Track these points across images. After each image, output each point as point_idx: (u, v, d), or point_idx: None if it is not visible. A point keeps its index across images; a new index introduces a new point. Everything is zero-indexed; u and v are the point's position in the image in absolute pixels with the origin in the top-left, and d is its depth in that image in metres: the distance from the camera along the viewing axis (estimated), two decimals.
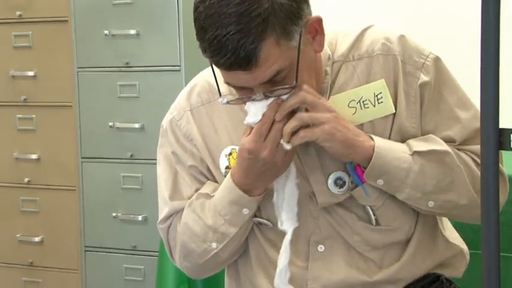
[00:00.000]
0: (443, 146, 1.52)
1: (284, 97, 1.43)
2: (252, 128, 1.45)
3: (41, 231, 3.27)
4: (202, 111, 1.61)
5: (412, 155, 1.50)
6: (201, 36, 1.39)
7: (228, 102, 1.47)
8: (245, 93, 1.44)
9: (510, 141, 0.87)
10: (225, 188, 1.53)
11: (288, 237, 1.50)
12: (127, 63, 3.01)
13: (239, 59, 1.34)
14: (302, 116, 1.44)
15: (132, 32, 2.98)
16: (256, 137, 1.44)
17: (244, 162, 1.47)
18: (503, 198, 1.59)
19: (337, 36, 1.58)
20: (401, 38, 1.56)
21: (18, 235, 3.30)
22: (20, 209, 3.29)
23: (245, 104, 1.46)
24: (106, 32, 3.01)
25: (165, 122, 1.65)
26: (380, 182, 1.50)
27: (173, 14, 2.91)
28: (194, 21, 1.40)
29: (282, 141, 1.44)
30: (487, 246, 0.89)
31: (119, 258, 3.11)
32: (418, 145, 1.51)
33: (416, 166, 1.49)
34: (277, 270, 1.51)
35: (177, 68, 2.93)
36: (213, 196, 1.56)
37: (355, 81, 1.54)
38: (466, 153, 1.55)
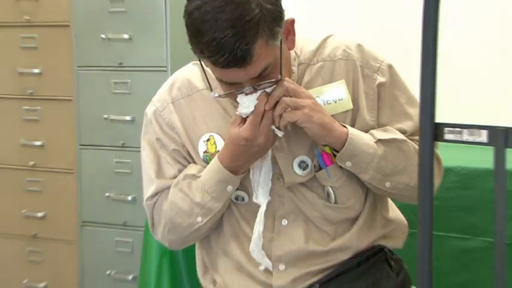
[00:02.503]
0: (401, 136, 1.55)
1: (268, 90, 1.44)
2: (241, 118, 1.45)
3: (43, 207, 3.24)
4: (183, 103, 1.61)
5: (376, 142, 1.52)
6: (198, 39, 1.35)
7: (219, 96, 1.47)
8: (234, 88, 1.44)
9: (443, 133, 0.88)
10: (213, 170, 1.52)
11: (263, 209, 1.51)
12: (120, 63, 2.98)
13: (236, 58, 1.33)
14: (286, 100, 1.44)
15: (126, 36, 2.95)
16: (253, 126, 1.43)
17: (238, 148, 1.46)
18: (438, 181, 1.62)
19: (300, 40, 1.58)
20: (359, 46, 1.59)
21: (23, 211, 3.27)
22: (26, 189, 3.25)
23: (233, 97, 1.47)
24: (103, 36, 2.98)
25: (149, 112, 1.65)
26: (349, 163, 1.51)
27: (161, 21, 2.89)
28: (188, 26, 1.37)
29: (274, 128, 1.44)
30: (422, 225, 0.90)
31: (111, 232, 3.09)
32: (381, 134, 1.54)
33: (379, 151, 1.51)
34: (253, 237, 1.53)
35: (164, 68, 2.91)
36: (199, 177, 1.55)
37: (320, 80, 1.56)
38: (415, 143, 1.57)
